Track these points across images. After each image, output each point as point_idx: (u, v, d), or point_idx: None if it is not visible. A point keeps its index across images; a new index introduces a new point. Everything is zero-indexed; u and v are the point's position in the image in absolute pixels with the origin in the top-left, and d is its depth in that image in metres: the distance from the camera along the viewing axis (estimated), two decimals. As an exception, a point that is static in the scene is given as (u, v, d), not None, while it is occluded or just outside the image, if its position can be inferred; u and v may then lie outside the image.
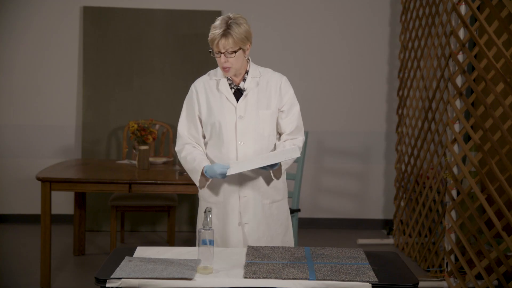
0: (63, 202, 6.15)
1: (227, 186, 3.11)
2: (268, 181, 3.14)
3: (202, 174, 3.05)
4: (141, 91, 6.13)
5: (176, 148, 3.19)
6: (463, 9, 4.47)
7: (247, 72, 3.12)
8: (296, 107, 3.16)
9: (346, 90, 6.31)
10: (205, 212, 2.65)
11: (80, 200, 5.30)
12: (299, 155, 2.92)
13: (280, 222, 3.20)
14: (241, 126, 3.07)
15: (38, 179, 4.43)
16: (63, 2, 6.13)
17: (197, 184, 3.10)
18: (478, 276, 4.58)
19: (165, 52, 6.14)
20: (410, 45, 5.63)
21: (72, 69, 6.18)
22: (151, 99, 6.14)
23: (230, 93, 3.10)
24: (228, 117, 3.07)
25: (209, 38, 3.02)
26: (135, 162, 5.09)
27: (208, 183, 3.11)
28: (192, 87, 3.18)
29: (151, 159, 5.13)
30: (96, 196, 6.07)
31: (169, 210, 5.16)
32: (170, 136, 5.74)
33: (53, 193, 4.75)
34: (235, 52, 2.98)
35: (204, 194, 3.19)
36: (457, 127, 4.56)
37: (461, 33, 4.51)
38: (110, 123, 6.11)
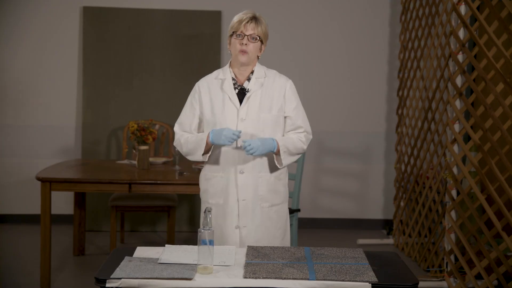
0: (63, 202, 6.15)
1: (227, 188, 3.13)
2: (269, 184, 3.15)
3: (207, 143, 3.05)
4: (141, 91, 6.13)
5: (174, 143, 3.21)
6: (463, 9, 4.47)
7: (252, 72, 3.14)
8: (302, 110, 3.19)
9: (346, 90, 6.31)
10: (204, 212, 2.65)
11: (80, 200, 5.30)
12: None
13: (279, 226, 3.21)
14: (242, 129, 3.07)
15: (38, 179, 4.43)
16: (63, 2, 6.13)
17: (201, 156, 3.08)
18: (478, 276, 4.58)
19: (165, 52, 6.14)
20: (410, 45, 5.63)
21: (72, 70, 6.19)
22: (151, 99, 6.14)
23: (233, 93, 3.10)
24: (230, 119, 3.08)
25: (234, 21, 3.07)
26: (135, 162, 5.09)
27: (209, 154, 3.10)
28: (196, 86, 3.20)
29: (151, 159, 5.13)
30: (96, 196, 6.07)
31: (169, 210, 5.16)
32: (170, 136, 5.74)
33: (53, 193, 4.75)
34: (258, 39, 3.07)
35: (205, 196, 3.21)
36: (457, 127, 4.55)
37: (461, 33, 4.51)
38: (110, 123, 6.11)
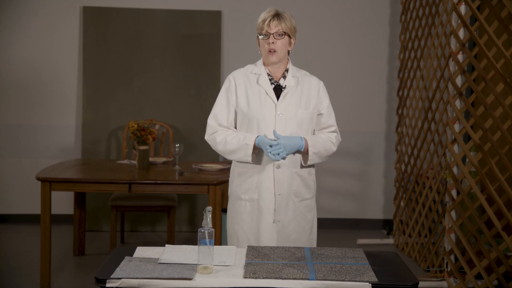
0: (63, 202, 6.15)
1: (262, 183, 3.13)
2: (302, 179, 3.18)
3: (255, 146, 3.05)
4: (141, 91, 6.13)
5: (206, 137, 3.18)
6: (463, 9, 4.47)
7: (287, 70, 3.18)
8: (332, 110, 3.24)
9: (346, 90, 6.31)
10: (204, 212, 2.65)
11: (80, 200, 5.30)
12: None
13: (308, 219, 3.25)
14: (279, 124, 3.09)
15: (38, 179, 4.43)
16: (63, 2, 6.13)
17: (249, 158, 3.08)
18: (478, 276, 4.58)
19: (165, 52, 6.14)
20: (410, 45, 5.63)
21: (72, 69, 6.19)
22: (151, 99, 6.14)
23: (270, 89, 3.12)
24: (268, 114, 3.10)
25: (259, 21, 3.09)
26: (135, 162, 5.09)
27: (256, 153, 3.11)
28: (231, 78, 3.18)
29: (151, 159, 5.13)
30: (96, 196, 6.07)
31: (169, 210, 5.16)
32: (170, 136, 5.74)
33: (53, 193, 4.75)
34: (284, 34, 3.08)
35: (237, 191, 3.20)
36: (457, 127, 4.56)
37: (461, 33, 4.51)
38: (110, 123, 6.11)
